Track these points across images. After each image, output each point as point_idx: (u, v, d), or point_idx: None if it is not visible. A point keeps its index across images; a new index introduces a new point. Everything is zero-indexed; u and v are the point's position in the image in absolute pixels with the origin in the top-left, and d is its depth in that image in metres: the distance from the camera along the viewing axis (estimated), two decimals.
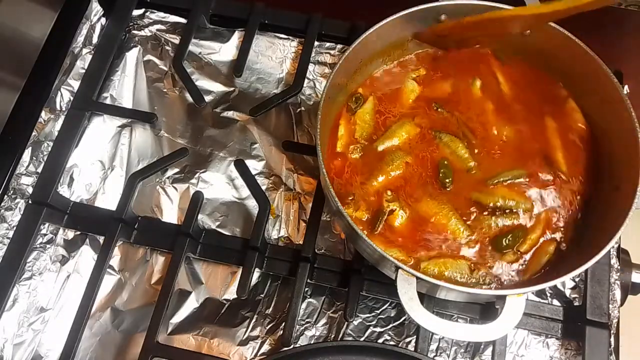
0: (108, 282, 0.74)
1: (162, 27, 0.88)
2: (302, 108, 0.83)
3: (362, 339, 0.71)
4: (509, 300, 0.58)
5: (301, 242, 0.73)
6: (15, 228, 0.74)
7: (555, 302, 0.73)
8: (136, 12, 0.88)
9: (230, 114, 0.83)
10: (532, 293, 0.73)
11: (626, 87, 0.76)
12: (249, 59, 0.85)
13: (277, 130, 0.82)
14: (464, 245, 0.65)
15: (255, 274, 0.74)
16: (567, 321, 0.71)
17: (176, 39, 0.87)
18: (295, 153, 0.80)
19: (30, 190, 0.76)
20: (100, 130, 0.82)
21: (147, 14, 0.89)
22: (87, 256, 0.75)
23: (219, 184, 0.79)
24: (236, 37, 0.87)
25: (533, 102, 0.72)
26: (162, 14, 0.89)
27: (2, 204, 0.76)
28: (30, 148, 0.79)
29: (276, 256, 0.74)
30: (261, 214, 0.73)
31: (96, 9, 0.87)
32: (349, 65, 0.69)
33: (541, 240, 0.66)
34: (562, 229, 0.67)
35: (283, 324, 0.70)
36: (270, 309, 0.73)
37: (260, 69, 0.86)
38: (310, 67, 0.84)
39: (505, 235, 0.65)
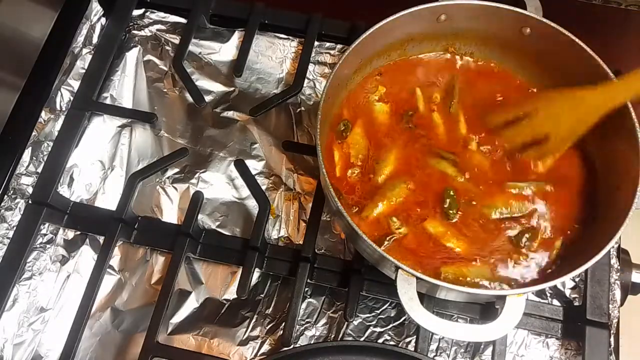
0: (108, 282, 0.74)
1: (162, 27, 0.88)
2: (302, 108, 0.83)
3: (362, 339, 0.71)
4: (509, 300, 0.58)
5: (301, 242, 0.73)
6: (15, 228, 0.74)
7: (555, 302, 0.73)
8: (136, 12, 0.88)
9: (230, 114, 0.83)
10: (532, 293, 0.73)
11: None
12: (249, 59, 0.85)
13: (277, 130, 0.82)
14: (479, 254, 0.66)
15: (255, 274, 0.74)
16: (567, 321, 0.71)
17: (176, 39, 0.87)
18: (295, 153, 0.80)
19: (30, 190, 0.77)
20: (100, 130, 0.82)
21: (147, 14, 0.89)
22: (87, 256, 0.75)
23: (219, 184, 0.79)
24: (236, 37, 0.87)
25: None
26: (162, 14, 0.89)
27: (2, 204, 0.76)
28: (30, 148, 0.79)
29: (276, 256, 0.74)
30: (261, 214, 0.73)
31: (96, 9, 0.87)
32: (349, 65, 0.69)
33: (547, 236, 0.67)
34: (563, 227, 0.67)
35: (283, 324, 0.70)
36: (270, 309, 0.73)
37: (260, 69, 0.86)
38: (310, 67, 0.84)
39: (523, 233, 0.66)
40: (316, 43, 0.85)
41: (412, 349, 0.69)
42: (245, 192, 0.77)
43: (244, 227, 0.76)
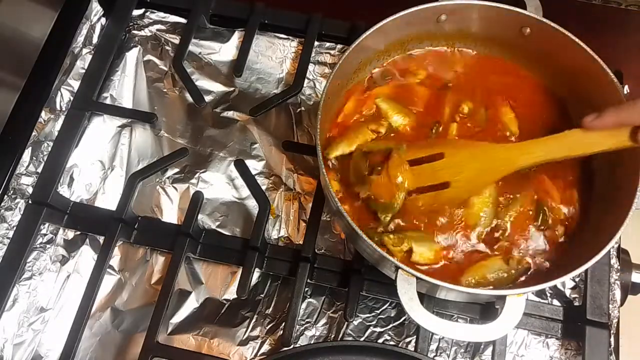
0: (108, 282, 0.74)
1: (162, 27, 0.88)
2: (302, 108, 0.83)
3: (362, 339, 0.71)
4: (509, 300, 0.58)
5: (301, 242, 0.73)
6: (15, 228, 0.74)
7: (555, 302, 0.73)
8: (136, 12, 0.88)
9: (230, 114, 0.83)
10: (532, 293, 0.73)
11: (626, 87, 0.76)
12: (249, 59, 0.85)
13: (277, 130, 0.82)
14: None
15: (255, 274, 0.74)
16: (567, 321, 0.71)
17: (176, 39, 0.87)
18: (295, 153, 0.80)
19: (30, 190, 0.77)
20: (100, 130, 0.82)
21: (147, 14, 0.89)
22: (87, 256, 0.75)
23: (219, 184, 0.79)
24: (236, 37, 0.87)
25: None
26: (162, 14, 0.89)
27: (2, 204, 0.76)
28: (30, 148, 0.79)
29: (276, 256, 0.74)
30: (261, 214, 0.73)
31: (96, 9, 0.87)
32: (349, 66, 0.69)
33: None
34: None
35: (283, 324, 0.70)
36: (270, 309, 0.73)
37: (260, 69, 0.86)
38: (310, 67, 0.84)
39: (543, 210, 0.67)
40: (316, 43, 0.85)
41: (412, 349, 0.69)
42: (245, 192, 0.77)
43: (244, 227, 0.76)
